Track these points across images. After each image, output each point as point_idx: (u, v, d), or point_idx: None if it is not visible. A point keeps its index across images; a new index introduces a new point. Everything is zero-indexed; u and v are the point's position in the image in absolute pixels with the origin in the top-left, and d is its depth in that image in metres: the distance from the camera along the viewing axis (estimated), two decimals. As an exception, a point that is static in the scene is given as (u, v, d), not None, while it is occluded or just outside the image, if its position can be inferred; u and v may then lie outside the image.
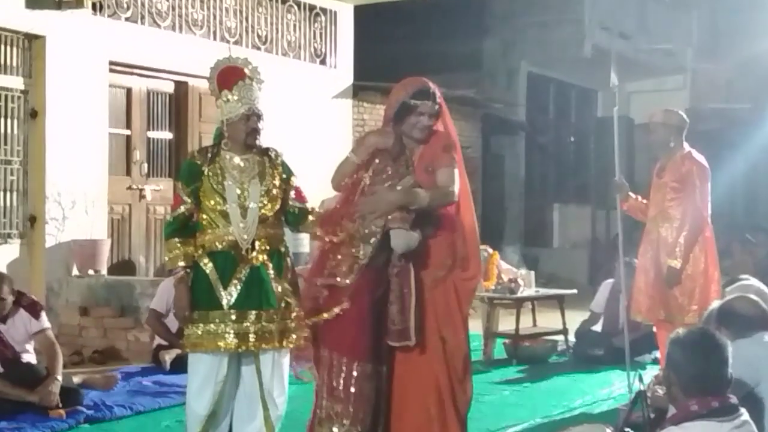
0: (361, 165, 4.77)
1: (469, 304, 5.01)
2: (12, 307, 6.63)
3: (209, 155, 5.04)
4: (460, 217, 4.88)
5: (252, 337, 4.95)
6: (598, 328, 9.45)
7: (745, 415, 3.55)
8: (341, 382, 4.57)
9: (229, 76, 5.05)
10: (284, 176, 5.15)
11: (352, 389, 4.56)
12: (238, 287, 4.96)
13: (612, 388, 7.76)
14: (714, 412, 3.47)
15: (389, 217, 4.58)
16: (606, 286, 9.46)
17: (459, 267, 4.84)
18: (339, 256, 4.66)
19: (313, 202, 5.30)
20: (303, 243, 9.74)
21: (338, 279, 4.63)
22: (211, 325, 4.94)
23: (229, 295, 4.95)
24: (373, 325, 4.61)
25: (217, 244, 4.98)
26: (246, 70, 5.06)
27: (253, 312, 4.97)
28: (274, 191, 5.08)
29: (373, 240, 4.60)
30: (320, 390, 4.67)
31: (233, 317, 4.94)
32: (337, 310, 4.63)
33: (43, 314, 6.87)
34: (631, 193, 7.28)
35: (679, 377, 3.56)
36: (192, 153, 5.40)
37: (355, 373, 4.56)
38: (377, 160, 4.75)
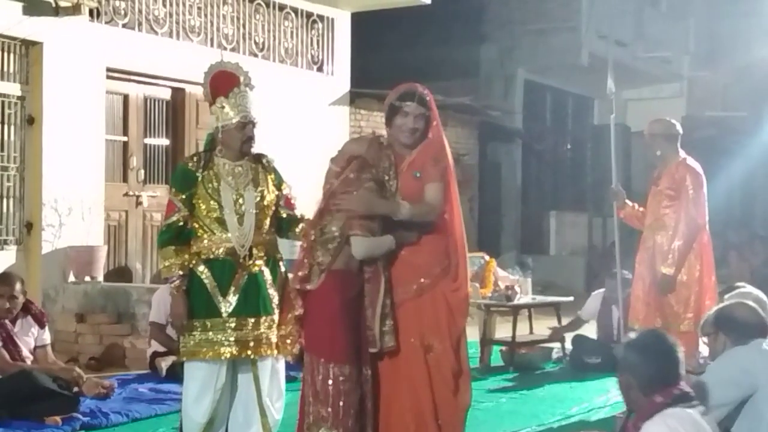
0: (340, 172, 4.79)
1: (464, 314, 4.88)
2: (20, 311, 6.66)
3: (203, 161, 5.04)
4: (451, 226, 4.83)
5: (251, 344, 4.96)
6: (593, 335, 9.44)
7: (703, 405, 3.68)
8: (322, 384, 4.60)
9: (223, 82, 5.05)
10: (276, 183, 5.17)
11: (332, 391, 4.58)
12: (237, 295, 4.96)
13: (608, 396, 7.74)
14: (678, 399, 3.59)
15: (348, 223, 4.62)
16: (596, 297, 9.40)
17: (449, 277, 4.80)
18: (306, 262, 4.70)
19: (309, 208, 5.29)
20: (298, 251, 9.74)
21: (306, 285, 4.67)
22: (210, 333, 4.94)
23: (227, 303, 4.95)
24: (348, 328, 4.63)
25: (214, 251, 4.97)
26: (240, 77, 5.06)
27: (252, 319, 4.97)
28: (268, 198, 5.09)
29: (331, 246, 4.63)
30: (306, 394, 4.69)
31: (232, 325, 4.94)
32: (293, 314, 4.75)
33: (47, 328, 6.90)
34: (627, 201, 7.28)
35: (638, 379, 3.65)
36: (185, 159, 5.39)
37: (333, 375, 4.60)
38: (352, 165, 4.78)
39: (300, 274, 4.68)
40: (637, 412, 3.72)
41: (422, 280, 4.77)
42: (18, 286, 6.64)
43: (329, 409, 4.59)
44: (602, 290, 9.32)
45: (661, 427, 3.51)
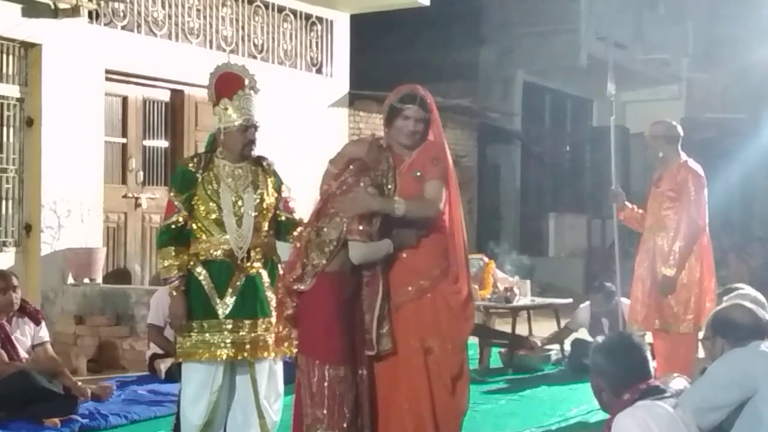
0: (338, 174, 4.75)
1: (467, 317, 4.86)
2: (16, 311, 6.67)
3: (203, 162, 5.03)
4: (450, 228, 4.81)
5: (248, 347, 4.95)
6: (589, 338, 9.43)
7: (675, 398, 3.70)
8: (318, 386, 4.58)
9: (228, 83, 5.05)
10: (276, 186, 5.16)
11: (327, 392, 4.56)
12: (234, 297, 4.96)
13: (608, 398, 7.74)
14: (646, 393, 3.63)
15: (347, 228, 4.57)
16: (585, 310, 9.30)
17: (450, 279, 4.78)
18: (298, 263, 4.67)
19: (308, 210, 5.27)
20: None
21: (297, 285, 4.63)
22: (207, 335, 4.94)
23: (225, 305, 4.95)
24: (343, 329, 4.59)
25: (212, 252, 4.97)
26: (246, 80, 5.06)
27: (249, 321, 4.97)
28: (268, 200, 5.09)
29: (327, 249, 4.59)
30: (303, 397, 4.67)
31: (229, 327, 4.94)
32: (286, 314, 4.69)
33: (44, 324, 6.90)
34: (627, 203, 7.29)
35: (608, 381, 3.72)
36: (185, 159, 5.38)
37: (328, 377, 4.57)
38: (351, 168, 4.75)
39: (292, 274, 4.66)
40: (610, 412, 3.76)
41: (421, 282, 4.74)
42: (14, 279, 6.68)
43: (325, 411, 4.57)
44: (587, 303, 9.26)
45: (628, 419, 3.55)
